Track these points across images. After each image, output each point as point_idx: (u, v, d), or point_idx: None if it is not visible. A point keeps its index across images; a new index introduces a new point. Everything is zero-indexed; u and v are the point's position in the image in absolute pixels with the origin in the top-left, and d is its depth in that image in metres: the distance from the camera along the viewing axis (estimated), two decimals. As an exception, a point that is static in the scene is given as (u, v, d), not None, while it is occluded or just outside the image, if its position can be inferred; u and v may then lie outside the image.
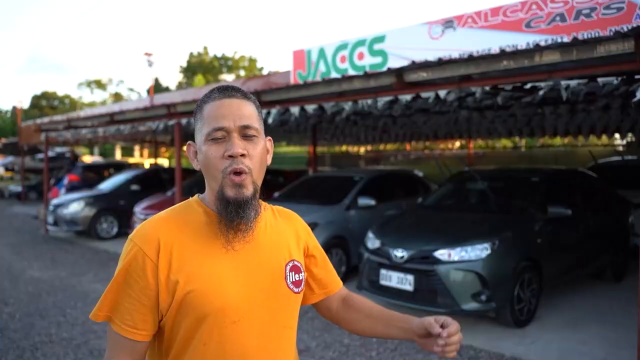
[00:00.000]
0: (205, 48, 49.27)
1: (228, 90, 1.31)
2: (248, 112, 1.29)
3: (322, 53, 10.25)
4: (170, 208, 1.35)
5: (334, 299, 1.59)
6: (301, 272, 1.40)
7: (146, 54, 22.87)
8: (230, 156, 1.24)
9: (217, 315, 1.23)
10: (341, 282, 1.62)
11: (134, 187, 11.96)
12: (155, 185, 12.02)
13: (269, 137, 1.39)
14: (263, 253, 1.32)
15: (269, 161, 1.37)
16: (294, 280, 1.36)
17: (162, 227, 1.27)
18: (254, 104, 1.34)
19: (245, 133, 1.27)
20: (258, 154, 1.29)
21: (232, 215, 1.24)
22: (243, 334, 1.25)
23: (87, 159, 24.99)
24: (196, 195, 1.38)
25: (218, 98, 1.29)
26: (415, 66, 4.91)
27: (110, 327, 1.24)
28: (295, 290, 1.36)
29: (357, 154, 24.07)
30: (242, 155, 1.25)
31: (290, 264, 1.37)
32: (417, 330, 1.40)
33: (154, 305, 1.23)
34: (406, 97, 5.16)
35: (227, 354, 1.24)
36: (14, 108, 47.95)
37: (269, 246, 1.35)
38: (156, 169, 14.30)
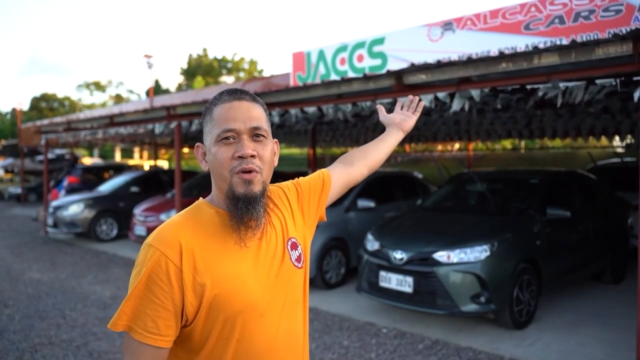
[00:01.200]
0: (204, 50, 49.23)
1: (237, 93, 1.34)
2: (257, 114, 1.32)
3: (321, 55, 10.26)
4: (181, 212, 1.36)
5: (339, 176, 1.71)
6: (298, 247, 1.44)
7: (146, 55, 22.83)
8: (240, 157, 1.27)
9: (246, 312, 1.26)
10: (324, 171, 1.70)
11: (134, 188, 11.98)
12: (155, 187, 12.03)
13: (275, 139, 1.42)
14: (273, 242, 1.37)
15: (276, 162, 1.41)
16: (295, 257, 1.41)
17: (181, 230, 1.27)
18: (262, 106, 1.37)
19: (254, 134, 1.31)
20: (267, 155, 1.32)
21: (243, 212, 1.27)
22: (269, 324, 1.31)
23: (87, 160, 25.01)
24: (201, 198, 1.40)
25: (227, 100, 1.32)
26: (414, 68, 4.92)
27: (130, 337, 1.21)
28: (299, 265, 1.42)
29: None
30: (252, 156, 1.28)
31: (289, 243, 1.41)
32: (395, 123, 1.94)
33: (178, 310, 1.22)
34: (405, 99, 5.16)
35: (257, 345, 1.28)
36: (14, 110, 47.99)
37: (274, 234, 1.39)
38: (156, 170, 14.29)
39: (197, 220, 1.31)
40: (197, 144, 1.41)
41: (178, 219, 1.32)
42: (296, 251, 1.42)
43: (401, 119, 1.96)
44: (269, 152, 1.34)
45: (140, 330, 1.20)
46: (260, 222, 1.31)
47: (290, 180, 1.62)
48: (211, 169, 1.33)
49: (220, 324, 1.24)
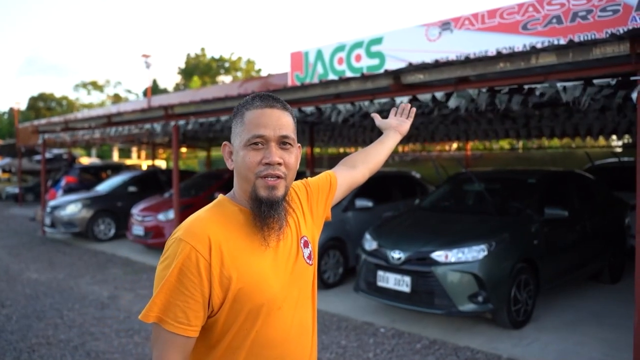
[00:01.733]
0: (202, 49, 49.15)
1: (269, 100, 1.40)
2: (286, 123, 1.39)
3: (319, 55, 10.25)
4: (206, 208, 1.42)
5: (343, 177, 1.80)
6: (309, 245, 1.53)
7: (144, 55, 22.77)
8: (268, 163, 1.34)
9: (267, 305, 1.34)
10: (331, 172, 1.80)
11: (132, 188, 11.97)
12: (153, 186, 12.02)
13: (299, 144, 1.48)
14: (288, 241, 1.45)
15: (297, 166, 1.46)
16: (307, 254, 1.50)
17: (209, 225, 1.33)
18: (291, 114, 1.44)
19: (282, 142, 1.37)
20: (292, 162, 1.40)
21: (266, 214, 1.34)
22: (285, 317, 1.39)
23: (85, 160, 24.96)
24: (221, 195, 1.46)
25: (260, 107, 1.38)
26: (412, 68, 4.92)
27: (159, 327, 1.27)
28: (310, 262, 1.50)
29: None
30: (279, 163, 1.35)
31: (302, 241, 1.50)
32: (392, 126, 2.04)
33: (206, 301, 1.29)
34: (403, 99, 5.18)
35: (273, 336, 1.37)
36: (11, 109, 47.86)
37: (289, 232, 1.46)
38: (154, 170, 14.29)
39: (222, 217, 1.38)
40: (224, 142, 1.47)
41: (205, 214, 1.39)
42: (307, 249, 1.51)
43: (397, 122, 2.07)
44: (294, 159, 1.41)
45: (170, 321, 1.26)
46: (282, 223, 1.39)
47: (300, 180, 1.69)
48: (236, 170, 1.40)
49: (243, 315, 1.32)
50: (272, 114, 1.37)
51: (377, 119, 2.09)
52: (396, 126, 2.05)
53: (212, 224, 1.34)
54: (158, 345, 1.28)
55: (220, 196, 1.46)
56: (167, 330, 1.26)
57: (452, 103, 4.86)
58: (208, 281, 1.27)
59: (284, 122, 1.38)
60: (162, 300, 1.26)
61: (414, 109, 2.13)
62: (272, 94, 1.45)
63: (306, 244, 1.51)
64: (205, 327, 1.33)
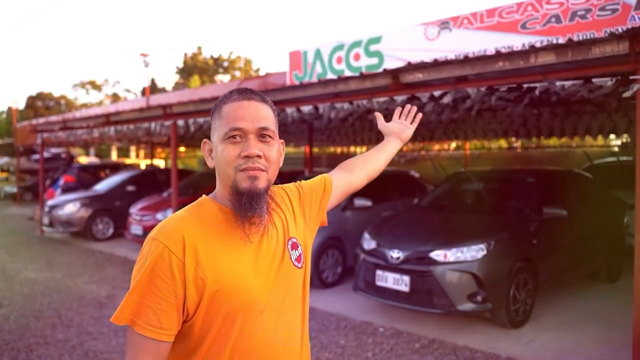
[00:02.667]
0: (199, 48, 49.11)
1: (247, 93, 1.35)
2: (265, 115, 1.34)
3: (318, 54, 10.23)
4: (184, 208, 1.38)
5: (339, 181, 1.74)
6: (299, 247, 1.46)
7: (142, 54, 22.73)
8: (247, 156, 1.28)
9: (246, 308, 1.27)
10: (326, 176, 1.73)
11: (130, 188, 11.94)
12: (151, 186, 11.99)
13: (282, 140, 1.44)
14: (274, 241, 1.38)
15: (281, 162, 1.42)
16: (295, 257, 1.43)
17: (184, 224, 1.28)
18: (270, 107, 1.39)
19: (261, 135, 1.32)
20: (273, 155, 1.34)
21: (246, 207, 1.28)
22: (268, 321, 1.32)
23: (83, 159, 24.92)
24: (204, 196, 1.42)
25: (237, 100, 1.34)
26: (411, 67, 4.92)
27: (131, 330, 1.22)
28: (298, 265, 1.43)
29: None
30: (259, 156, 1.30)
31: (290, 243, 1.43)
32: (394, 132, 1.97)
33: (180, 304, 1.23)
34: (402, 98, 5.17)
35: (255, 342, 1.29)
36: (9, 109, 47.75)
37: (275, 233, 1.40)
38: (152, 169, 14.26)
39: (200, 216, 1.33)
40: (204, 139, 1.43)
41: (182, 213, 1.34)
42: (296, 251, 1.44)
43: (399, 128, 1.99)
44: (275, 152, 1.35)
45: (142, 324, 1.20)
46: (263, 218, 1.33)
47: (292, 183, 1.64)
48: (216, 166, 1.35)
49: (220, 319, 1.25)
50: (250, 106, 1.32)
51: (380, 120, 2.01)
52: (398, 132, 1.97)
53: (188, 223, 1.29)
54: (130, 349, 1.23)
55: (203, 196, 1.41)
56: (138, 334, 1.20)
57: (447, 98, 4.87)
58: (182, 282, 1.21)
59: (262, 114, 1.33)
60: (134, 301, 1.21)
61: (420, 114, 2.03)
62: (250, 88, 1.41)
63: (294, 246, 1.43)
64: (182, 332, 1.27)
